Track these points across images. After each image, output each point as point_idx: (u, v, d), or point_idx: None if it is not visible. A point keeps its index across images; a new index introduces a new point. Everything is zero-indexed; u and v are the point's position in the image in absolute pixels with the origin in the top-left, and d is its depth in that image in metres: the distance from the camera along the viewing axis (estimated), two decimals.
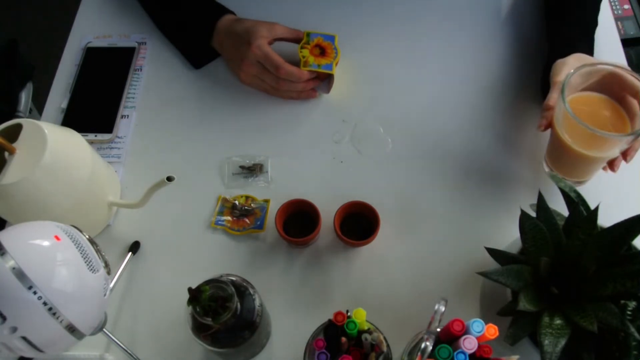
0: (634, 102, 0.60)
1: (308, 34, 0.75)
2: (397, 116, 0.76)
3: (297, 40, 0.75)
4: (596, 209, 0.51)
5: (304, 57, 0.74)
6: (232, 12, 0.79)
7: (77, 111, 0.78)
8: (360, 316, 0.50)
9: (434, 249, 0.67)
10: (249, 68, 0.74)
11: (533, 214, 0.53)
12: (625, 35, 1.14)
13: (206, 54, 0.80)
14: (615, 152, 0.61)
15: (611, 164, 0.63)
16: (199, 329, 0.52)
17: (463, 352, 0.47)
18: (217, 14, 0.77)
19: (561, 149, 0.63)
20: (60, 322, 0.43)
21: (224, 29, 0.76)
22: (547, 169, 0.70)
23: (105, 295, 0.48)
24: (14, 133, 0.58)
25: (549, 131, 0.65)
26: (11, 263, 0.42)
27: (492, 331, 0.48)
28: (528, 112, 0.76)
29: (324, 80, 0.77)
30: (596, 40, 0.80)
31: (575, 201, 0.54)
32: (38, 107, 1.18)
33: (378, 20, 0.84)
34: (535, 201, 0.54)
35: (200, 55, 0.80)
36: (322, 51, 0.74)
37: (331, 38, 0.75)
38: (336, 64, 0.74)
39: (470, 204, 0.70)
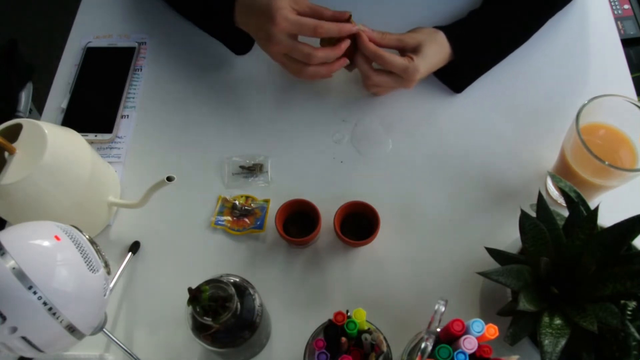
0: None
1: None
2: (398, 116, 0.76)
3: (320, 18, 0.66)
4: (596, 209, 0.51)
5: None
6: None
7: (77, 111, 0.77)
8: (360, 316, 0.50)
9: (434, 249, 0.67)
10: (278, 47, 0.66)
11: (533, 214, 0.53)
12: (625, 35, 1.14)
13: (238, 36, 0.73)
14: (624, 181, 0.61)
15: None
16: (199, 329, 0.52)
17: (463, 352, 0.47)
18: None
19: (569, 175, 0.63)
20: (60, 322, 0.43)
21: (244, 5, 0.68)
22: (552, 186, 0.70)
23: (105, 295, 0.48)
24: (14, 133, 0.58)
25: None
26: (11, 263, 0.42)
27: (492, 331, 0.48)
28: (528, 113, 0.76)
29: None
30: (596, 40, 0.81)
31: (575, 201, 0.54)
32: (38, 107, 1.18)
33: (377, 19, 0.84)
34: (535, 201, 0.54)
35: (232, 38, 0.75)
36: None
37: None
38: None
39: (470, 204, 0.70)
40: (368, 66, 0.70)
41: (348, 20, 0.67)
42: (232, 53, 0.78)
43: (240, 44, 0.76)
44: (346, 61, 0.69)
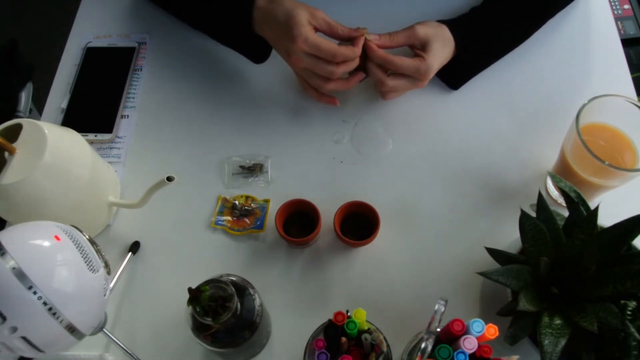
0: None
1: None
2: (398, 116, 0.76)
3: (334, 36, 0.68)
4: (596, 209, 0.51)
5: None
6: None
7: (77, 111, 0.77)
8: (360, 316, 0.50)
9: (434, 249, 0.67)
10: (299, 62, 0.67)
11: (533, 214, 0.53)
12: (625, 35, 1.14)
13: (256, 44, 0.73)
14: (624, 181, 0.61)
15: None
16: (199, 329, 0.52)
17: (463, 352, 0.47)
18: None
19: (569, 175, 0.63)
20: (60, 322, 0.43)
21: (262, 13, 0.68)
22: (552, 186, 0.70)
23: (105, 295, 0.48)
24: (14, 133, 0.58)
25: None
26: (11, 263, 0.42)
27: (492, 331, 0.48)
28: (528, 113, 0.76)
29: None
30: (596, 40, 0.81)
31: (575, 201, 0.54)
32: (38, 107, 1.18)
33: (378, 19, 0.84)
34: (535, 201, 0.54)
35: (251, 47, 0.75)
36: None
37: None
38: None
39: (470, 204, 0.70)
40: (381, 73, 0.70)
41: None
42: (235, 55, 0.77)
43: (260, 52, 0.75)
44: (362, 76, 0.71)
